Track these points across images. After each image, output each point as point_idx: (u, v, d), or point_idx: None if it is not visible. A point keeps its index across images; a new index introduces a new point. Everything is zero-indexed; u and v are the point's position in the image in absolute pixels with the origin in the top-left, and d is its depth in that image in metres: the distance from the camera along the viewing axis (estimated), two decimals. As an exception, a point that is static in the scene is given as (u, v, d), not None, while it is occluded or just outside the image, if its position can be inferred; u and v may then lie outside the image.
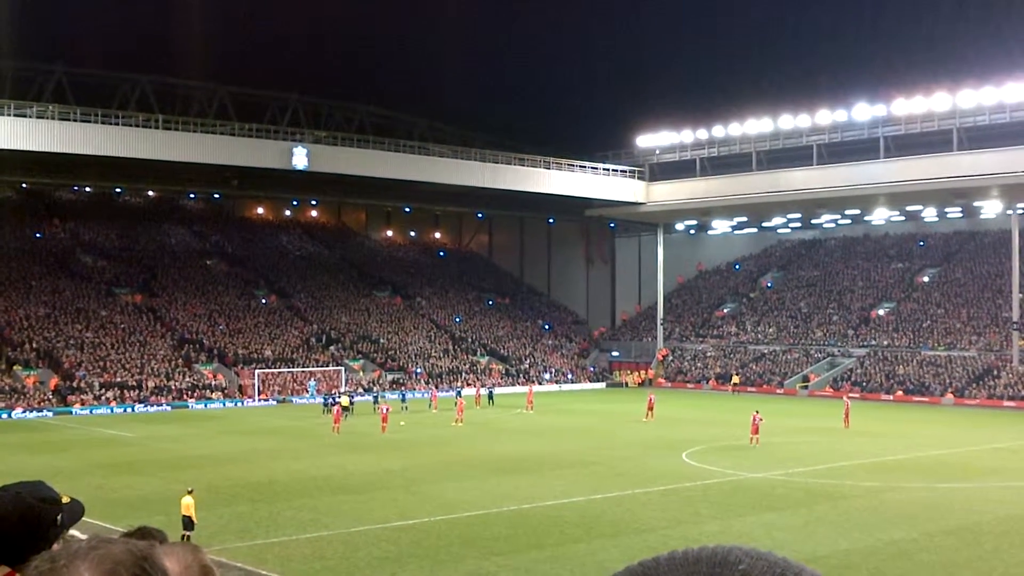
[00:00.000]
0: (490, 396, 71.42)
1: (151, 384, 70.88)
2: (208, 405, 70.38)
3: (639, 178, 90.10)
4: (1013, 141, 70.37)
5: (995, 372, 75.59)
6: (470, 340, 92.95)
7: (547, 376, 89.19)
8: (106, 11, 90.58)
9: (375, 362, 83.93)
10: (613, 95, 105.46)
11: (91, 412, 65.32)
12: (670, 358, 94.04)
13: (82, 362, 71.45)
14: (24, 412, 63.67)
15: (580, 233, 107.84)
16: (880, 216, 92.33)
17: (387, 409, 55.50)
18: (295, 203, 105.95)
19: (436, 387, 77.32)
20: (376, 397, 68.32)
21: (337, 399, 63.67)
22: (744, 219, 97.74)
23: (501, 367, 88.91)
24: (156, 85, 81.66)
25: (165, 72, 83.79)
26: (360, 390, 75.85)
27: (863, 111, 78.05)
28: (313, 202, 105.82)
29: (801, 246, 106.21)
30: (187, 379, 73.05)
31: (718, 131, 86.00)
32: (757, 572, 1.22)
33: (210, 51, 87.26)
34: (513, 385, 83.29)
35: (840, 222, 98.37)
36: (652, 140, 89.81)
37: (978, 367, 76.91)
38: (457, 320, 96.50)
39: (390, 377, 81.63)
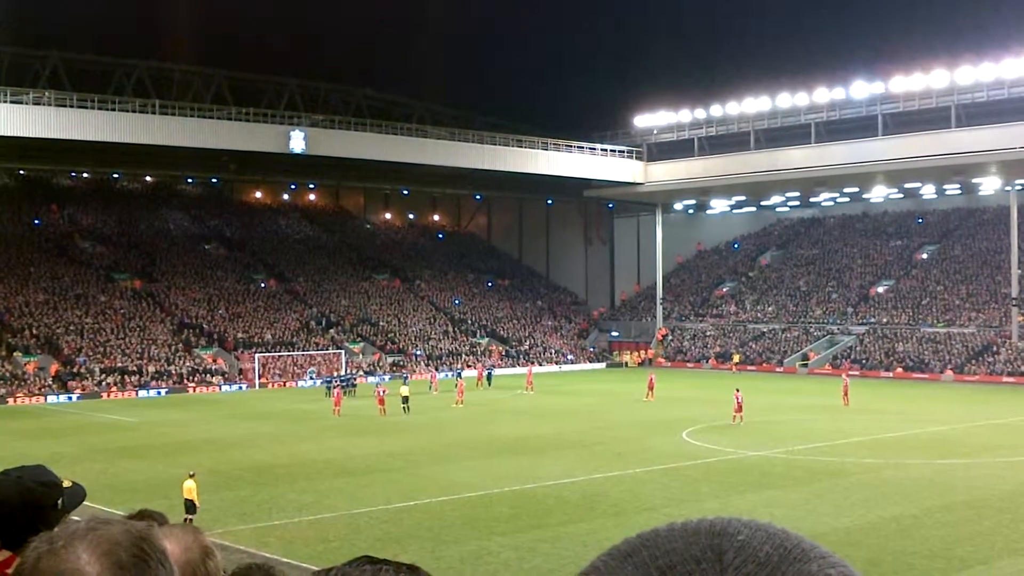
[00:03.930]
0: (488, 377, 71.57)
1: (151, 369, 70.98)
2: (208, 389, 70.60)
3: (637, 158, 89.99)
4: (1011, 117, 70.17)
5: (994, 348, 75.70)
6: (470, 322, 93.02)
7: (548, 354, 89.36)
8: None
9: (375, 345, 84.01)
10: (610, 75, 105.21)
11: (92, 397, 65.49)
12: (670, 338, 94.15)
13: (82, 348, 71.53)
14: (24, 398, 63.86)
15: (579, 214, 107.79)
16: (878, 194, 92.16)
17: (384, 391, 55.32)
18: (293, 187, 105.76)
19: (436, 369, 77.40)
20: (403, 377, 67.64)
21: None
22: (742, 198, 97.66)
23: (501, 348, 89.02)
24: (152, 70, 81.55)
25: (161, 57, 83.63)
26: (361, 372, 75.95)
27: (861, 89, 77.87)
28: (311, 185, 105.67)
29: (800, 224, 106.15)
30: (187, 364, 73.16)
31: (716, 110, 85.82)
32: (756, 543, 1.21)
33: (206, 36, 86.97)
34: (513, 366, 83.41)
35: (839, 200, 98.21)
36: (650, 120, 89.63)
37: (977, 343, 77.01)
38: (456, 302, 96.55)
39: (390, 360, 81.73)
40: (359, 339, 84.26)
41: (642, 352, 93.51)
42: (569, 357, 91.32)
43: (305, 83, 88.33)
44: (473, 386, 66.74)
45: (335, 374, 72.58)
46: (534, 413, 53.53)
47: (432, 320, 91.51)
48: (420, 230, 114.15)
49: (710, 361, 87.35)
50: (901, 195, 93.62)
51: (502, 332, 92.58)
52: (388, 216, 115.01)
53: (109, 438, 45.57)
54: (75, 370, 68.71)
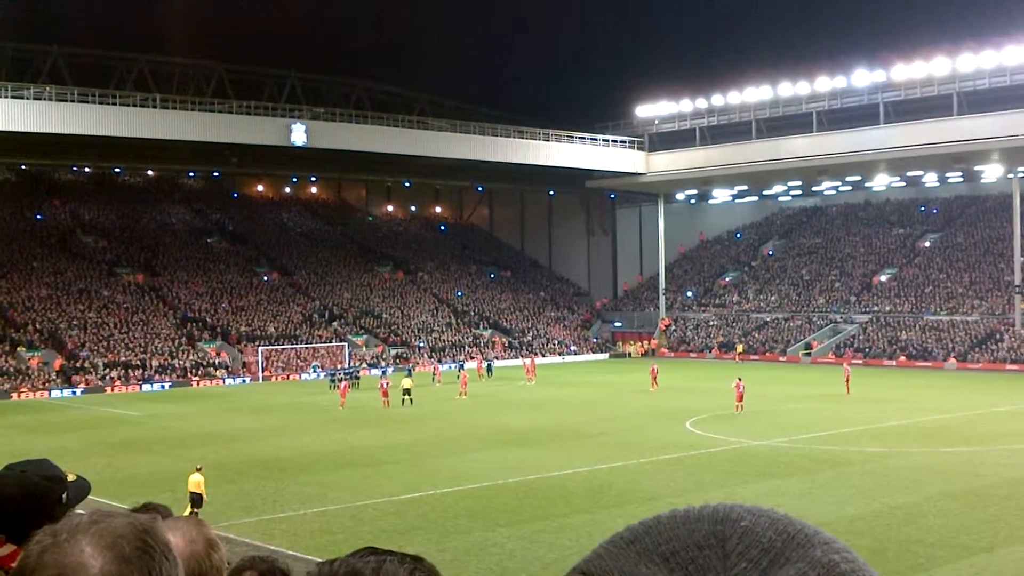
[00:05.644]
0: (489, 369, 71.65)
1: (155, 363, 71.07)
2: (212, 382, 70.68)
3: (639, 148, 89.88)
4: (1013, 105, 70.01)
5: (997, 336, 75.64)
6: (472, 313, 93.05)
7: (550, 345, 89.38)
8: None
9: (378, 337, 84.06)
10: (611, 66, 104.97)
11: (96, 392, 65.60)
12: (673, 328, 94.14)
13: (85, 342, 71.61)
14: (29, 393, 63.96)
15: (581, 204, 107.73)
16: (881, 182, 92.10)
17: (387, 384, 55.39)
18: (295, 180, 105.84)
19: (439, 361, 77.45)
20: (407, 369, 67.76)
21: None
22: (745, 188, 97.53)
23: (504, 340, 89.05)
24: (153, 64, 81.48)
25: (162, 51, 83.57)
26: (364, 365, 76.05)
27: (862, 77, 77.75)
28: (313, 178, 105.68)
29: (802, 213, 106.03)
30: (191, 357, 73.23)
31: (717, 100, 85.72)
32: (759, 528, 1.21)
33: (206, 29, 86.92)
34: (516, 358, 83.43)
35: (841, 189, 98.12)
36: (651, 110, 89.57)
37: (980, 331, 76.96)
38: (459, 294, 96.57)
39: (393, 352, 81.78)
40: (362, 331, 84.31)
41: (645, 342, 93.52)
42: (572, 348, 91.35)
43: (306, 76, 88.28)
44: (475, 377, 66.82)
45: (338, 367, 72.63)
46: (538, 404, 53.52)
47: (435, 312, 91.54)
48: (422, 222, 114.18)
49: (713, 351, 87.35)
50: (903, 183, 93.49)
51: (505, 324, 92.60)
52: (390, 208, 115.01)
53: (113, 432, 45.65)
54: (79, 364, 68.80)
